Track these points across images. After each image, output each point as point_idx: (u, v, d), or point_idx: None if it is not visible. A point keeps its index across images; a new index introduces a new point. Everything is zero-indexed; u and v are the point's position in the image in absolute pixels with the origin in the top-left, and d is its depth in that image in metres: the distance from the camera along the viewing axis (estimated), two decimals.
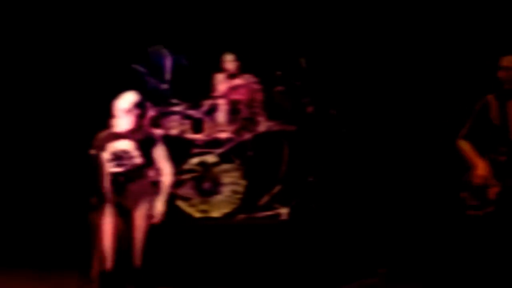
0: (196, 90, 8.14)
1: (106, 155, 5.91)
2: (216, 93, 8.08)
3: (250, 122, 7.90)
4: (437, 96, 7.99)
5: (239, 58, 8.05)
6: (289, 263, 7.01)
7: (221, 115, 7.97)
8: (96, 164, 6.01)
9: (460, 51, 7.97)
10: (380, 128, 8.14)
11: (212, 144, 7.78)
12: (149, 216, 5.93)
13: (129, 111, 5.91)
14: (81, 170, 6.86)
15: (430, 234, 7.42)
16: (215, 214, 7.61)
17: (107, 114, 6.17)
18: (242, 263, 6.99)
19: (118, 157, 5.90)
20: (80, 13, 8.62)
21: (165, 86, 7.97)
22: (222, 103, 7.98)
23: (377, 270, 7.09)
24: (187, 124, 7.91)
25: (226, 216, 7.59)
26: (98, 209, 5.99)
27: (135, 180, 5.90)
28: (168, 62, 7.99)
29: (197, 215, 7.61)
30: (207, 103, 8.00)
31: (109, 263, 5.90)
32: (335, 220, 7.48)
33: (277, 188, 7.67)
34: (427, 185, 7.82)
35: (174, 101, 7.92)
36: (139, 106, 5.99)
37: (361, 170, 7.93)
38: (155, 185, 6.01)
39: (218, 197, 7.65)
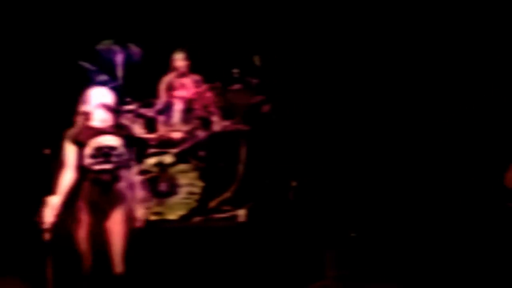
0: (149, 88, 7.91)
1: (87, 151, 5.55)
2: (165, 93, 7.89)
3: (204, 122, 7.75)
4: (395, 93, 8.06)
5: (194, 57, 7.88)
6: (245, 265, 6.92)
7: (175, 115, 7.79)
8: (57, 163, 5.70)
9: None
10: (337, 126, 8.12)
11: (166, 144, 7.59)
12: (130, 219, 5.65)
13: (111, 106, 5.63)
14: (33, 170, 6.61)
15: (381, 234, 7.46)
16: (171, 216, 7.42)
17: (56, 113, 5.91)
18: (198, 266, 6.86)
19: (105, 153, 5.54)
20: (29, 9, 8.27)
21: (116, 83, 7.71)
22: (175, 102, 7.79)
23: (327, 271, 7.08)
24: (140, 123, 7.68)
25: (182, 218, 7.42)
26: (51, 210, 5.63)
27: (119, 179, 5.58)
28: (119, 59, 7.74)
29: (152, 217, 7.38)
30: (160, 102, 7.80)
31: (86, 268, 5.60)
32: (291, 222, 7.43)
33: (234, 189, 7.56)
34: (383, 185, 7.86)
35: (126, 99, 7.69)
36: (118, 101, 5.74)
37: (318, 170, 7.90)
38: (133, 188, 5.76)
39: (174, 199, 7.47)
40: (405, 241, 7.24)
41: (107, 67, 7.72)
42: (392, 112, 8.02)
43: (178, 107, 7.77)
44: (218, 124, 7.76)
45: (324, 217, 7.51)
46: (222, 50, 8.19)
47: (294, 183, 7.64)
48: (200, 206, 7.43)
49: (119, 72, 7.74)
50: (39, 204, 5.75)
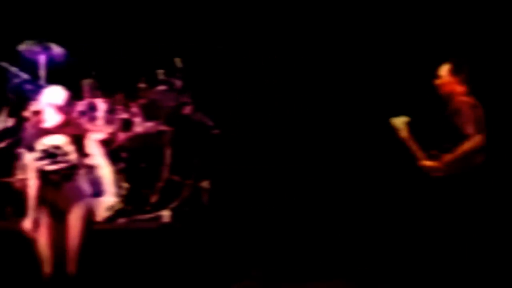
0: (72, 89, 7.83)
1: (35, 153, 5.49)
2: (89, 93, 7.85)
3: (127, 123, 7.76)
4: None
5: (117, 59, 7.88)
6: (170, 266, 7.00)
7: (98, 115, 7.75)
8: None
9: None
10: (259, 128, 8.28)
11: None
12: (87, 218, 5.62)
13: (61, 106, 5.59)
14: None
15: (305, 235, 7.68)
16: (96, 218, 7.40)
17: None
18: (123, 268, 6.91)
19: (51, 154, 5.48)
20: None
21: (38, 84, 7.62)
22: (99, 103, 7.76)
23: (251, 272, 7.24)
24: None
25: (107, 220, 7.40)
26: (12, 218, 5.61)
27: (70, 178, 5.54)
28: (42, 60, 7.66)
29: None
30: (83, 103, 7.75)
31: (47, 269, 5.55)
32: (215, 223, 7.55)
33: (158, 191, 7.61)
34: (302, 185, 8.10)
35: None
36: (68, 99, 5.70)
37: (241, 171, 8.05)
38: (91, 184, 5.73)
39: (99, 201, 7.44)
40: (327, 239, 7.50)
41: (29, 67, 7.64)
42: (309, 117, 8.22)
43: (101, 107, 7.75)
44: (140, 125, 7.79)
45: (244, 219, 7.70)
46: (147, 51, 8.22)
47: (207, 185, 7.78)
48: (125, 208, 7.47)
49: (42, 72, 7.67)
50: None
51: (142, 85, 7.85)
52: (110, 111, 7.75)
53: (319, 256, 7.36)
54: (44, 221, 5.54)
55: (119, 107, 7.76)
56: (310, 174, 8.10)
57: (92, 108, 7.73)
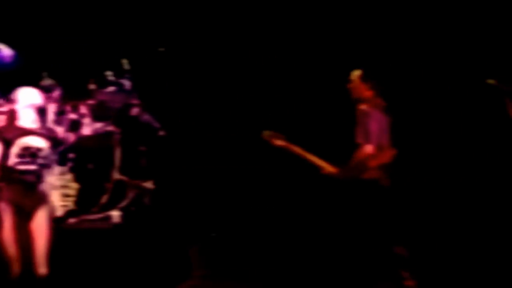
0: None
1: (14, 150, 5.49)
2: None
3: (76, 124, 7.80)
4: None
5: (67, 60, 7.90)
6: (116, 267, 7.08)
7: (48, 117, 7.75)
8: None
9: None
10: (205, 129, 8.43)
11: None
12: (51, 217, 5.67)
13: (39, 107, 5.64)
14: None
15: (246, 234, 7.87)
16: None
17: None
18: (73, 268, 6.96)
19: (32, 154, 5.51)
20: None
21: None
22: (48, 105, 7.73)
23: (193, 271, 7.37)
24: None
25: (57, 220, 7.45)
26: None
27: (42, 180, 5.57)
28: None
29: None
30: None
31: (14, 270, 5.55)
32: (159, 223, 7.67)
33: (108, 191, 7.69)
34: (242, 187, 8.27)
35: None
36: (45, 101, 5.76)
37: (186, 172, 8.17)
38: None
39: None
40: (266, 239, 7.69)
41: None
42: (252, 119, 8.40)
43: (51, 109, 7.75)
44: (88, 126, 7.84)
45: (185, 219, 7.83)
46: (97, 52, 8.27)
47: (150, 185, 7.89)
48: (76, 208, 7.55)
49: None
50: None
51: (92, 86, 7.91)
52: (59, 113, 7.78)
53: (257, 255, 7.54)
54: (8, 220, 5.56)
55: (67, 108, 7.80)
56: (252, 175, 8.27)
57: (43, 110, 7.75)
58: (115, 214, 7.60)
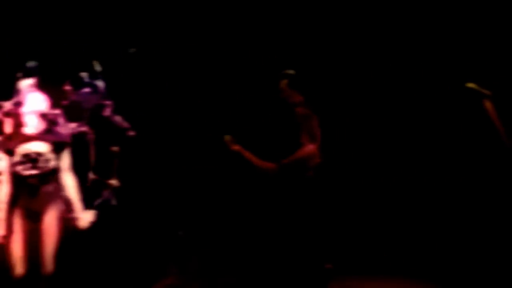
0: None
1: (16, 158, 5.54)
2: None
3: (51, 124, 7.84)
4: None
5: (43, 60, 7.92)
6: (93, 265, 7.17)
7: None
8: None
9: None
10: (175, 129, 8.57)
11: None
12: (64, 220, 5.72)
13: (43, 113, 5.69)
14: None
15: (220, 230, 8.07)
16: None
17: None
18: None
19: (33, 159, 5.56)
20: None
21: None
22: None
23: (170, 269, 7.53)
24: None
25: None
26: None
27: (48, 182, 5.63)
28: None
29: None
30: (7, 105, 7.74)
31: (20, 270, 5.59)
32: (130, 222, 7.79)
33: (82, 190, 7.77)
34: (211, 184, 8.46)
35: None
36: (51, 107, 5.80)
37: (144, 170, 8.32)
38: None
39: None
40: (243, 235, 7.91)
41: None
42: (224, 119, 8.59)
43: None
44: (63, 126, 7.89)
45: (158, 218, 7.97)
46: (72, 53, 8.31)
47: (116, 183, 8.01)
48: None
49: None
50: None
51: (67, 87, 7.97)
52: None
53: (234, 251, 7.74)
54: (18, 223, 5.63)
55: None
56: (224, 174, 8.46)
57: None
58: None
